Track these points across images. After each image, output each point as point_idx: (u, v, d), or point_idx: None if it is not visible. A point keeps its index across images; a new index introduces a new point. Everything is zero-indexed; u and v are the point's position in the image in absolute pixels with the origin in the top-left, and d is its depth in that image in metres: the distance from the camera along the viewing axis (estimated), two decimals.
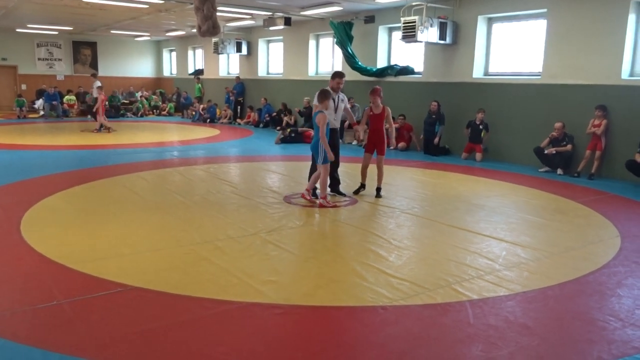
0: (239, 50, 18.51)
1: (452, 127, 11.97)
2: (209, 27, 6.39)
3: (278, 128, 14.75)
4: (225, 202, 6.92)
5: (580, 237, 5.75)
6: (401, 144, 12.67)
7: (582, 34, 9.72)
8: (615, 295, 4.17)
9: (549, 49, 10.28)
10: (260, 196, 7.30)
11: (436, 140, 11.92)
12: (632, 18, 9.17)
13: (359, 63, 14.00)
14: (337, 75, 7.08)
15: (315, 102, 6.79)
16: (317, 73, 16.62)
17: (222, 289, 4.07)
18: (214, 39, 17.99)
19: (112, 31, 20.96)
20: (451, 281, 4.32)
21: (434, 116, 11.91)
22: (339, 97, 7.11)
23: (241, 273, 4.40)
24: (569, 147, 9.72)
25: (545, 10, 10.31)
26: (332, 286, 4.18)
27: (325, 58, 16.36)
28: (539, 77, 10.53)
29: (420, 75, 13.03)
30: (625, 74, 9.33)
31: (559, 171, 9.77)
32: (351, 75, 14.42)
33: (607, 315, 3.78)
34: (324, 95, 6.61)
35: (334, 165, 7.24)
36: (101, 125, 15.49)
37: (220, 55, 20.43)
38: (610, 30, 9.33)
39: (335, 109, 7.04)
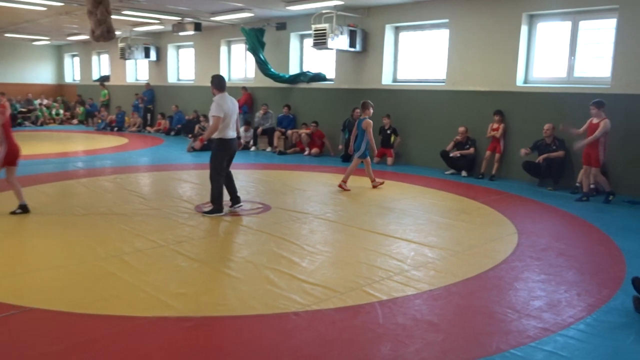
0: (147, 55, 17.94)
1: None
2: (103, 32, 6.16)
3: (190, 135, 14.45)
4: (133, 214, 6.68)
5: (482, 235, 6.11)
6: (314, 150, 12.84)
7: (480, 44, 10.34)
8: (512, 289, 4.47)
9: (451, 57, 10.85)
10: (171, 206, 7.11)
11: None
12: (524, 29, 9.89)
13: (272, 70, 14.04)
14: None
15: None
16: (229, 79, 16.41)
17: (128, 305, 3.92)
18: (120, 44, 17.34)
19: (7, 34, 19.58)
20: (362, 283, 4.43)
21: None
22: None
23: (149, 287, 4.26)
24: (471, 150, 10.29)
25: (447, 20, 10.88)
26: (243, 295, 4.16)
27: (237, 64, 16.25)
28: (444, 83, 11.08)
29: (332, 82, 13.27)
30: (519, 81, 10.03)
31: (463, 173, 10.32)
32: (264, 82, 14.45)
33: (505, 308, 4.04)
34: (367, 105, 8.47)
35: (228, 177, 6.89)
36: None
37: (128, 61, 19.69)
38: (505, 40, 10.00)
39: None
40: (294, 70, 14.09)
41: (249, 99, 15.00)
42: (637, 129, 8.52)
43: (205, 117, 16.02)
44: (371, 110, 8.68)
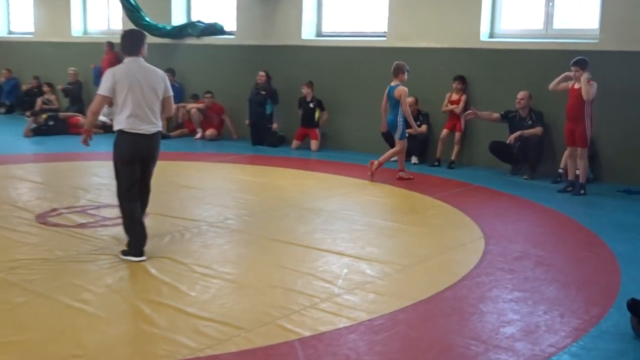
0: None
1: (281, 106, 12.28)
2: None
3: (28, 114, 13.91)
4: None
5: (438, 242, 6.30)
6: (210, 131, 12.70)
7: None
8: (477, 313, 4.63)
9: (394, 3, 11.06)
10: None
11: (274, 126, 12.13)
12: None
13: (146, 19, 13.74)
14: None
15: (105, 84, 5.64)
16: (85, 32, 15.97)
17: None
18: None
19: None
20: (276, 315, 4.43)
21: (263, 92, 12.07)
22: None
23: None
24: (423, 128, 10.54)
25: None
26: (107, 339, 4.07)
27: (97, 11, 15.86)
28: (384, 38, 11.29)
29: (233, 37, 13.18)
30: (484, 35, 10.40)
31: (414, 159, 10.59)
32: None
33: (467, 339, 4.18)
34: (402, 68, 9.07)
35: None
36: None
37: None
38: None
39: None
40: (178, 19, 13.89)
41: (114, 60, 14.55)
42: (633, 97, 9.06)
43: (52, 86, 15.52)
44: (406, 76, 9.21)
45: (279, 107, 12.26)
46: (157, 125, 5.69)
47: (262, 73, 12.11)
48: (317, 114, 11.73)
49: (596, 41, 9.33)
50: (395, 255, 5.86)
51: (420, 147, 10.62)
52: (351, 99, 11.64)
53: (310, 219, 7.03)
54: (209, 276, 5.19)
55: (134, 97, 5.52)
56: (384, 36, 11.31)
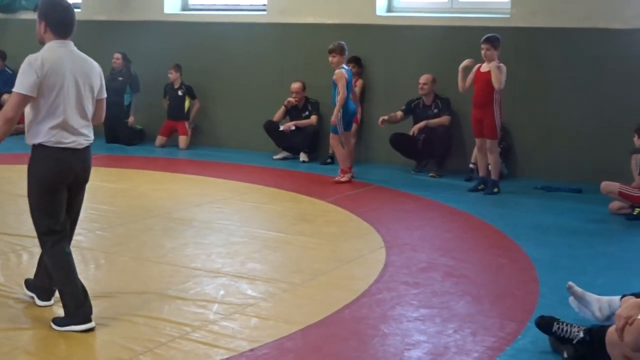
0: None
1: (142, 95, 12.09)
2: None
3: None
4: None
5: (332, 254, 6.38)
6: None
7: None
8: (379, 335, 4.70)
9: None
10: None
11: (130, 119, 11.98)
12: None
13: None
14: None
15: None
16: None
17: None
18: None
19: None
20: (138, 350, 4.35)
21: (120, 79, 11.94)
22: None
23: None
24: (313, 119, 10.64)
25: None
26: None
27: None
28: (264, 12, 11.35)
29: (78, 10, 12.78)
30: (381, 10, 10.62)
31: (303, 157, 10.67)
32: None
33: None
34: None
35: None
36: None
37: None
38: None
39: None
40: None
41: None
42: (549, 79, 9.48)
43: None
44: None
45: (139, 97, 12.07)
46: (89, 137, 4.84)
47: (117, 55, 11.94)
48: (186, 103, 11.62)
49: (507, 16, 9.68)
50: (282, 272, 5.90)
51: (310, 142, 10.69)
52: (226, 84, 11.60)
53: (179, 232, 6.98)
54: (54, 306, 5.02)
55: (66, 100, 4.66)
56: (264, 10, 11.36)
